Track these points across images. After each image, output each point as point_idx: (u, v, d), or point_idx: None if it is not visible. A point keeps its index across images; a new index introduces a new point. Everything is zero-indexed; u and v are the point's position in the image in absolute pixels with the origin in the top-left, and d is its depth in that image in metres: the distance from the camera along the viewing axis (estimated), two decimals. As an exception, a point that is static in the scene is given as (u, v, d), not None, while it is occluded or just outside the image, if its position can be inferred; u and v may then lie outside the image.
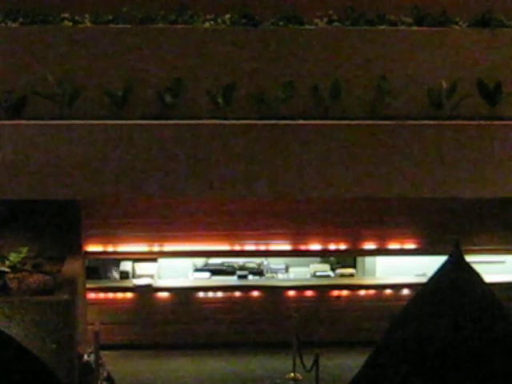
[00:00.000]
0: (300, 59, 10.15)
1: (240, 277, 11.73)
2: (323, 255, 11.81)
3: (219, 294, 11.41)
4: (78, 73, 9.91)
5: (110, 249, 11.03)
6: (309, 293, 11.49)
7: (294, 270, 12.02)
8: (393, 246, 11.30)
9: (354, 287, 11.54)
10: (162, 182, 9.55)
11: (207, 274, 11.79)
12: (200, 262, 12.00)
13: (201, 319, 11.30)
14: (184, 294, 11.33)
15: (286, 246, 11.26)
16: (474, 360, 2.31)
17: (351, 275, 11.91)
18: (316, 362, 9.45)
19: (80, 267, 10.37)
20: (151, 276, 11.49)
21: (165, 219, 11.01)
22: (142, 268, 11.68)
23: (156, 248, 11.12)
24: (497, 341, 2.32)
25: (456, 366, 2.30)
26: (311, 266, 12.02)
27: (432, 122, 9.80)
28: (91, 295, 11.10)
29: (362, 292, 11.53)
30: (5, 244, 10.16)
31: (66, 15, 10.24)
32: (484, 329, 2.32)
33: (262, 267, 11.94)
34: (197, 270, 11.90)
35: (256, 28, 10.20)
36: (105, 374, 9.54)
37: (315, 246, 11.27)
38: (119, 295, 11.28)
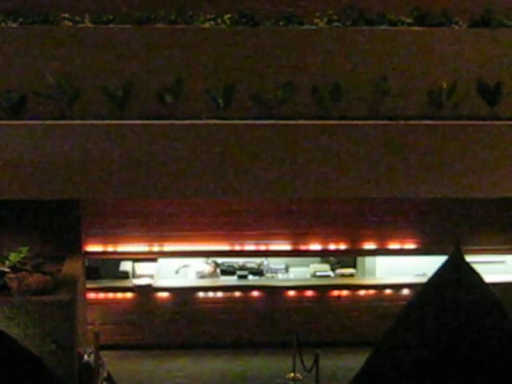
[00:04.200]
0: (300, 59, 10.15)
1: (240, 277, 11.72)
2: (323, 255, 11.82)
3: (219, 294, 11.41)
4: (78, 73, 9.90)
5: (110, 249, 11.03)
6: (309, 293, 11.49)
7: (293, 270, 12.02)
8: (393, 246, 11.31)
9: (354, 287, 11.54)
10: (161, 182, 9.55)
11: (207, 274, 11.80)
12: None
13: (201, 319, 11.30)
14: (184, 294, 11.33)
15: (286, 246, 11.27)
16: (475, 359, 2.31)
17: (351, 275, 11.91)
18: (316, 362, 9.45)
19: (80, 267, 10.37)
20: (151, 276, 11.49)
21: (165, 219, 11.01)
22: (141, 268, 11.68)
23: (156, 248, 11.12)
24: (497, 340, 2.32)
25: (456, 365, 2.30)
26: (311, 265, 12.02)
27: (432, 122, 9.80)
28: (91, 295, 11.10)
29: (362, 292, 11.53)
30: (5, 244, 10.17)
31: (66, 15, 10.24)
32: (484, 328, 2.32)
33: (262, 267, 11.94)
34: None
35: (256, 28, 10.20)
36: (105, 374, 9.54)
37: (315, 246, 11.27)
38: (119, 295, 11.28)
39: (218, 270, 11.78)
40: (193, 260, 11.70)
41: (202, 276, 11.65)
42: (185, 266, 11.74)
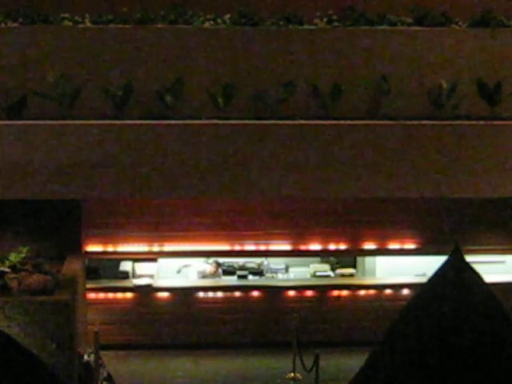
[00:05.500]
0: (300, 59, 10.16)
1: (240, 277, 11.72)
2: (323, 255, 11.81)
3: (219, 294, 11.41)
4: (78, 73, 9.91)
5: (110, 249, 11.03)
6: (309, 293, 11.49)
7: (293, 270, 12.01)
8: (393, 245, 11.30)
9: (354, 287, 11.54)
10: (161, 182, 9.56)
11: (207, 274, 11.79)
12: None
13: (201, 319, 11.29)
14: (184, 294, 11.32)
15: (286, 246, 11.26)
16: (475, 361, 2.31)
17: (351, 275, 11.91)
18: (316, 362, 9.45)
19: (80, 267, 10.37)
20: (151, 276, 11.49)
21: (165, 219, 11.00)
22: (141, 268, 11.68)
23: (156, 248, 11.11)
24: (497, 342, 2.32)
25: (456, 365, 2.30)
26: (311, 265, 12.01)
27: (432, 122, 9.81)
28: (91, 295, 11.10)
29: (362, 292, 11.53)
30: (5, 244, 10.17)
31: (66, 15, 10.25)
32: (484, 329, 2.32)
33: (262, 267, 11.93)
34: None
35: (256, 28, 10.21)
36: (105, 374, 9.54)
37: (315, 246, 11.27)
38: (119, 295, 11.28)
39: (220, 270, 11.78)
40: (194, 260, 11.71)
41: (204, 276, 11.65)
42: (186, 266, 11.74)
